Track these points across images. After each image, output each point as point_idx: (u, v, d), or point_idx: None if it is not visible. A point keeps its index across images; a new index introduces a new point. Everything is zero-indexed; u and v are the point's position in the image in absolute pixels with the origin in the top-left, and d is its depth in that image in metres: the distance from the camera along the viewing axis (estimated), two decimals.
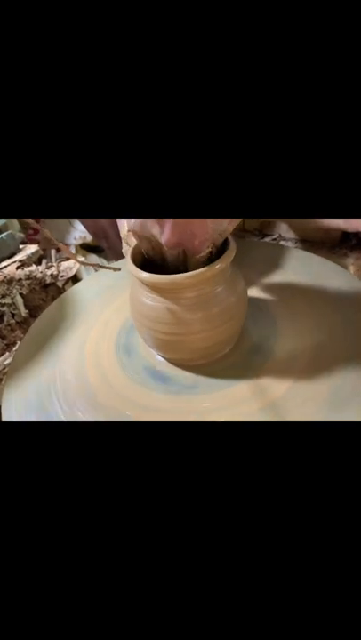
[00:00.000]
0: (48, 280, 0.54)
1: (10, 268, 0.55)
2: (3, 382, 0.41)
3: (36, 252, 0.58)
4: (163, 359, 0.37)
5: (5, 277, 0.52)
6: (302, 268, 0.46)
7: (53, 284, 0.55)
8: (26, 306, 0.54)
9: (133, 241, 0.34)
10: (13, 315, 0.53)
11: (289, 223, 0.62)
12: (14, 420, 0.35)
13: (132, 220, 0.32)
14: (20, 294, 0.53)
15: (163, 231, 0.30)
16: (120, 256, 0.50)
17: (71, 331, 0.42)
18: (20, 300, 0.53)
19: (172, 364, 0.36)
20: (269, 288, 0.43)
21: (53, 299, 0.51)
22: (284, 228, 0.63)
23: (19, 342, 0.49)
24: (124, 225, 0.37)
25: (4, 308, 0.52)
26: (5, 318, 0.52)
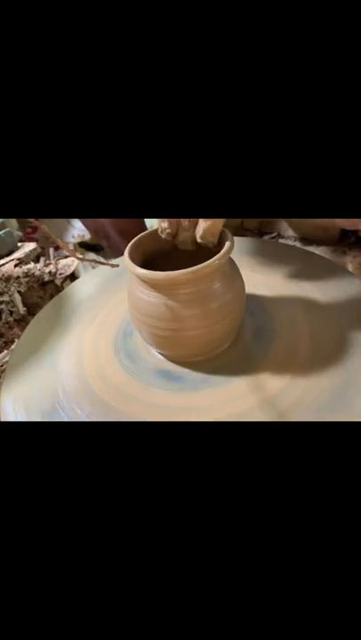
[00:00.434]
0: (46, 278, 0.54)
1: (8, 265, 0.55)
2: (1, 380, 0.41)
3: (35, 249, 0.58)
4: (161, 356, 0.37)
5: (3, 275, 0.52)
6: (301, 265, 0.46)
7: (52, 281, 0.55)
8: (24, 303, 0.54)
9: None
10: (11, 312, 0.53)
11: (288, 222, 0.62)
12: (11, 416, 0.35)
13: None
14: (19, 292, 0.53)
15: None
16: (119, 255, 0.50)
17: (69, 328, 0.42)
18: (18, 298, 0.53)
19: (170, 360, 0.36)
20: (268, 285, 0.43)
21: (51, 296, 0.51)
22: (283, 227, 0.63)
23: (17, 340, 0.49)
24: None
25: (2, 306, 0.52)
26: (3, 316, 0.52)
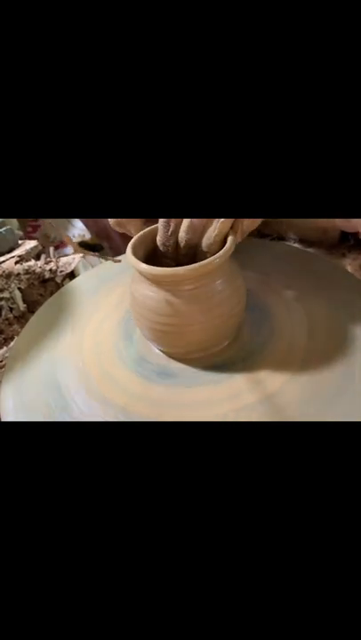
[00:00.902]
0: (47, 275, 0.54)
1: (8, 262, 0.55)
2: (0, 376, 0.41)
3: (35, 247, 0.58)
4: (160, 352, 0.37)
5: (4, 272, 0.52)
6: (300, 264, 0.46)
7: (52, 279, 0.55)
8: (24, 300, 0.54)
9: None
10: (11, 309, 0.53)
11: (287, 223, 0.63)
12: (11, 412, 0.35)
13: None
14: (19, 289, 0.53)
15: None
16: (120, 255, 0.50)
17: (69, 325, 0.42)
18: (18, 295, 0.53)
19: (171, 357, 0.37)
20: (267, 285, 0.43)
21: (52, 294, 0.51)
22: (282, 229, 0.64)
23: (16, 337, 0.49)
24: None
25: (2, 303, 0.52)
26: (3, 313, 0.52)
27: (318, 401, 0.31)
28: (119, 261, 0.36)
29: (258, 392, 0.33)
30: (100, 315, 0.43)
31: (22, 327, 0.48)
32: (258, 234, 0.66)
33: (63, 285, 0.54)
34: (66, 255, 0.59)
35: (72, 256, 0.58)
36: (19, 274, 0.53)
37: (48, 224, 0.67)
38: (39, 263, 0.55)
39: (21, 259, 0.56)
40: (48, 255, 0.59)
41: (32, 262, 0.55)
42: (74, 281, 0.51)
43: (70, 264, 0.55)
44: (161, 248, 0.34)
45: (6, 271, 0.52)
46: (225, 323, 0.34)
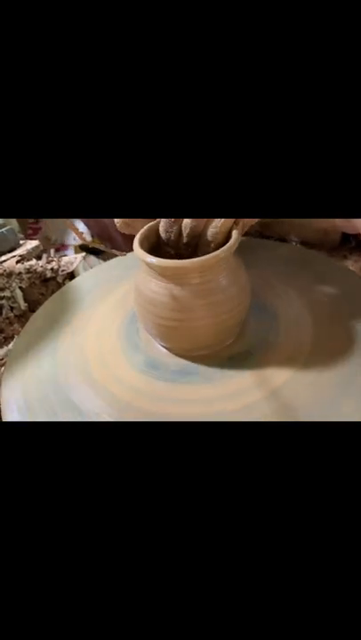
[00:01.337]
0: (48, 274, 0.54)
1: (9, 261, 0.54)
2: (1, 375, 0.40)
3: (37, 247, 0.58)
4: (164, 350, 0.37)
5: (5, 271, 0.52)
6: (303, 264, 0.46)
7: (54, 278, 0.54)
8: (25, 300, 0.54)
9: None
10: (12, 308, 0.52)
11: (289, 225, 0.63)
12: (13, 410, 0.34)
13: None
14: (20, 288, 0.53)
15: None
16: None
17: (70, 324, 0.42)
18: (19, 294, 0.53)
19: (175, 354, 0.36)
20: (270, 284, 0.43)
21: (53, 293, 0.51)
22: (284, 230, 0.64)
23: (16, 336, 0.48)
24: None
25: (3, 302, 0.52)
26: (4, 311, 0.52)
27: (325, 397, 0.31)
28: (124, 254, 0.36)
29: (264, 389, 0.32)
30: (101, 314, 0.42)
31: (23, 326, 0.48)
32: (259, 235, 0.66)
33: (65, 285, 0.54)
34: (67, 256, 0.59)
35: (74, 256, 0.58)
36: (20, 273, 0.53)
37: (49, 224, 0.66)
38: (40, 262, 0.55)
39: (22, 258, 0.55)
40: (49, 255, 0.59)
41: (33, 261, 0.54)
42: (75, 280, 0.50)
43: (72, 263, 0.55)
44: (163, 235, 0.34)
45: (7, 270, 0.52)
46: (230, 319, 0.34)
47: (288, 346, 0.35)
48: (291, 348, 0.35)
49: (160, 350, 0.37)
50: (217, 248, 0.32)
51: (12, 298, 0.52)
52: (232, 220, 0.32)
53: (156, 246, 0.34)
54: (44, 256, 0.57)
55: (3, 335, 0.50)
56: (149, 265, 0.31)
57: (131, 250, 0.32)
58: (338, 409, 0.30)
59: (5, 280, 0.52)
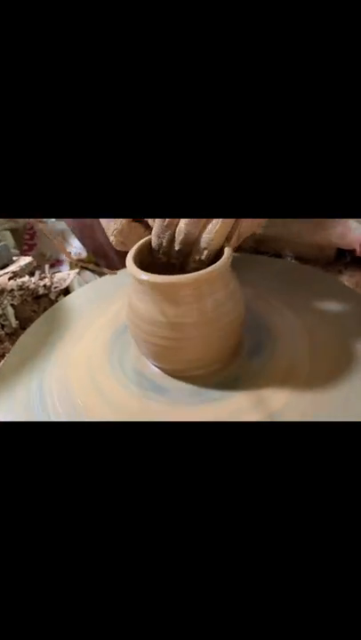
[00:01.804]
0: (41, 291, 0.53)
1: (2, 278, 0.54)
2: None
3: (30, 263, 0.57)
4: (158, 370, 0.36)
5: None
6: (299, 281, 0.45)
7: (46, 295, 0.54)
8: (17, 317, 0.53)
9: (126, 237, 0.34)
10: (3, 326, 0.51)
11: (284, 241, 0.63)
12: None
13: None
14: (12, 305, 0.52)
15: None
16: None
17: (60, 342, 0.41)
18: (10, 311, 0.52)
19: (168, 374, 0.35)
20: (266, 301, 0.42)
21: (45, 310, 0.50)
22: (278, 246, 0.64)
23: (7, 354, 0.47)
24: (111, 224, 0.37)
25: None
26: None
27: (323, 418, 0.30)
28: (115, 273, 0.35)
29: (260, 411, 0.31)
30: (93, 331, 0.41)
31: (14, 344, 0.47)
32: (254, 251, 0.66)
33: (57, 302, 0.53)
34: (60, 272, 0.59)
35: (67, 272, 0.57)
36: (12, 290, 0.52)
37: (44, 240, 0.66)
38: (33, 279, 0.54)
39: (15, 275, 0.55)
40: (43, 272, 0.58)
41: (26, 278, 0.54)
42: (67, 297, 0.50)
43: (65, 280, 0.55)
44: (154, 241, 0.33)
45: None
46: (224, 338, 0.33)
47: (285, 366, 0.35)
48: (288, 369, 0.34)
49: (153, 370, 0.36)
50: (210, 258, 0.31)
51: (4, 315, 0.51)
52: (229, 225, 0.31)
53: (148, 263, 0.34)
54: (37, 272, 0.56)
55: None
56: (141, 281, 0.30)
57: (125, 267, 0.32)
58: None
59: None
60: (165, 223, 0.32)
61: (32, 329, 0.45)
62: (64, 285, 0.53)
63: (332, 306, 0.41)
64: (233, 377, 0.34)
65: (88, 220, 0.64)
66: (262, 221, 0.37)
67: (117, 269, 0.44)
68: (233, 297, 0.33)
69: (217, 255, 0.32)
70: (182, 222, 0.32)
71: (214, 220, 0.31)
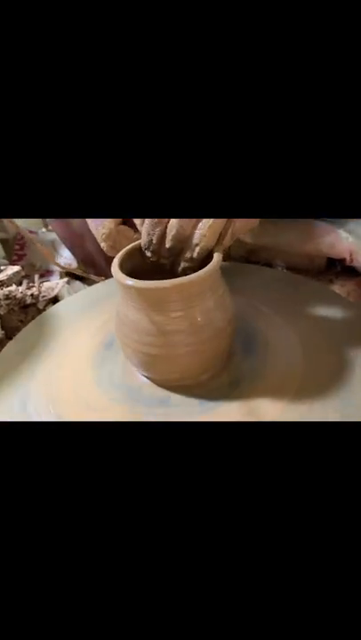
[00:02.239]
0: (28, 300, 0.52)
1: None
2: None
3: (18, 272, 0.56)
4: (147, 380, 0.34)
5: None
6: (290, 289, 0.45)
7: (34, 304, 0.53)
8: (3, 327, 0.51)
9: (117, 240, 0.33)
10: None
11: (275, 251, 0.63)
12: None
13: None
14: None
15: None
16: None
17: (46, 352, 0.40)
18: None
19: (157, 384, 0.34)
20: (257, 310, 0.42)
21: (32, 319, 0.49)
22: (269, 256, 0.64)
23: None
24: (99, 229, 0.36)
25: None
26: None
27: None
28: (102, 279, 0.34)
29: (253, 420, 0.30)
30: (79, 341, 0.40)
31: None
32: (245, 261, 0.65)
33: (45, 311, 0.52)
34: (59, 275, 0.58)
35: (55, 281, 0.56)
36: None
37: (34, 250, 0.65)
38: (20, 288, 0.53)
39: (2, 284, 0.54)
40: (31, 281, 0.57)
41: (13, 287, 0.53)
42: (55, 306, 0.49)
43: (53, 289, 0.54)
44: (144, 239, 0.32)
45: None
46: (214, 346, 0.32)
47: (277, 375, 0.34)
48: (280, 379, 0.33)
49: (141, 380, 0.35)
50: (202, 255, 0.31)
51: None
52: (222, 222, 0.31)
53: (140, 271, 0.33)
54: (25, 282, 0.55)
55: None
56: (127, 287, 0.30)
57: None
58: None
59: None
60: (156, 220, 0.31)
61: (18, 338, 0.44)
62: (52, 294, 0.52)
63: (324, 313, 0.40)
64: (224, 387, 0.33)
65: (78, 230, 0.63)
66: (256, 221, 0.36)
67: (107, 278, 0.44)
68: (223, 304, 0.33)
69: (206, 259, 0.31)
70: (173, 220, 0.31)
71: (206, 219, 0.30)
